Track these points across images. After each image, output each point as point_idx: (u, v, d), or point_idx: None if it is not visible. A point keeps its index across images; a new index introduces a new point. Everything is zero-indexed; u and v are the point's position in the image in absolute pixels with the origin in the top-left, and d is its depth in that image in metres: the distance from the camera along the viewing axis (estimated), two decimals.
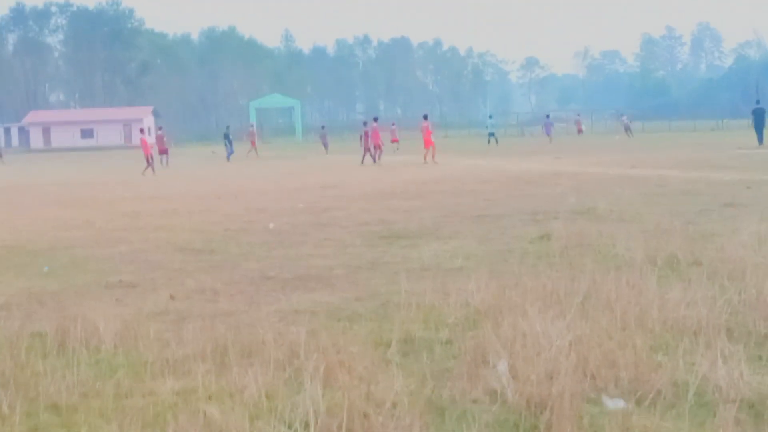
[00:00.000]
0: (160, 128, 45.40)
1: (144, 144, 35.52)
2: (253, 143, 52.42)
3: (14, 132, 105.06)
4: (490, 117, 65.16)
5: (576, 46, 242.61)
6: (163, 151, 41.16)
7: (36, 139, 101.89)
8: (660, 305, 6.12)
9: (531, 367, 4.74)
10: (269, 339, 5.65)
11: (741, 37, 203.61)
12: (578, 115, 69.55)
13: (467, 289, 7.00)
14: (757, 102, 37.75)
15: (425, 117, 36.50)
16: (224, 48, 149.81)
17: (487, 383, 4.73)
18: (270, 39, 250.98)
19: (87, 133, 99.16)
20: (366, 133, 36.92)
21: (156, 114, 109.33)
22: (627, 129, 61.50)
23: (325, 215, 14.90)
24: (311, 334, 5.78)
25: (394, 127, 49.92)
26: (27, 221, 15.64)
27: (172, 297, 7.75)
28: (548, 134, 56.97)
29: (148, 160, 34.27)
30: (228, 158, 44.86)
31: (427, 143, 34.38)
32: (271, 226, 13.44)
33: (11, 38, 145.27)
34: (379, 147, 36.11)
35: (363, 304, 7.20)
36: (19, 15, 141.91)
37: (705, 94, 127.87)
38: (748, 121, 36.96)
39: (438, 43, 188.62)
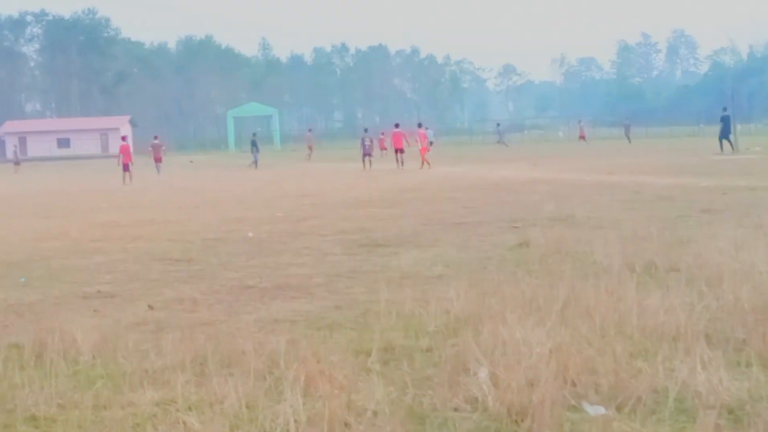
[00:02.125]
0: (156, 137, 45.74)
1: (126, 151, 35.52)
2: (310, 147, 54.23)
3: None
4: (498, 125, 68.30)
5: (553, 53, 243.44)
6: (158, 160, 41.69)
7: (12, 149, 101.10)
8: (639, 312, 6.14)
9: (511, 374, 4.74)
10: (249, 348, 5.63)
11: (716, 44, 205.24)
12: (580, 121, 69.54)
13: (447, 297, 7.01)
14: (724, 109, 38.20)
15: (420, 125, 37.47)
16: (201, 57, 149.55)
17: (468, 391, 4.73)
18: (247, 47, 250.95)
19: (63, 143, 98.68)
20: (362, 140, 38.21)
21: (133, 123, 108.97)
22: (582, 136, 61.50)
23: (304, 224, 14.87)
24: (291, 343, 5.77)
25: (382, 136, 50.66)
26: (2, 232, 15.51)
27: (150, 307, 7.71)
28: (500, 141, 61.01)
29: (127, 167, 34.41)
30: (255, 165, 44.67)
31: (423, 150, 34.89)
32: (250, 234, 13.41)
33: None
34: (401, 150, 36.76)
35: (343, 312, 7.18)
36: None
37: (681, 100, 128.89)
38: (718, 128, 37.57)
39: (415, 51, 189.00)
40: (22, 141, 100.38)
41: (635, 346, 5.55)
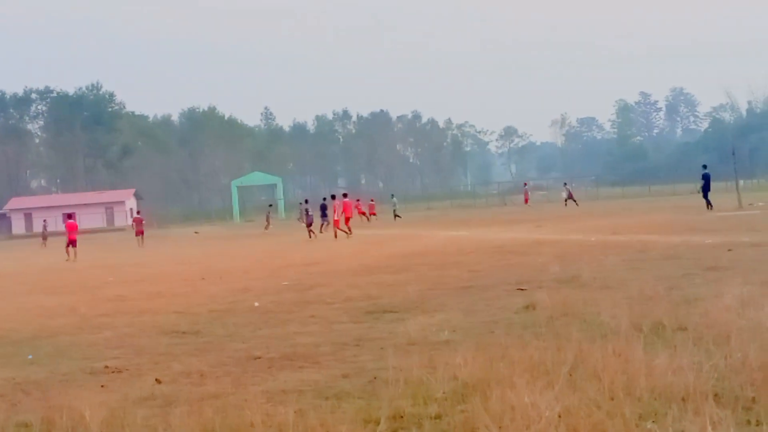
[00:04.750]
0: (138, 212, 51.42)
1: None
2: (372, 212, 56.87)
3: None
4: (565, 184, 69.00)
5: (553, 114, 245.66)
6: (140, 233, 45.87)
7: (18, 225, 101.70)
8: (647, 373, 6.13)
9: None
10: (257, 421, 5.62)
11: (715, 101, 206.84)
12: (565, 183, 69.96)
13: (454, 362, 7.00)
14: (704, 167, 38.66)
15: (345, 195, 40.16)
16: (205, 128, 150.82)
17: None
18: (250, 117, 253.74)
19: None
20: (306, 210, 39.79)
21: (138, 196, 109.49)
22: (569, 197, 61.32)
23: (311, 292, 14.88)
24: (299, 414, 5.76)
25: (358, 201, 53.48)
26: (9, 309, 15.51)
27: (158, 381, 7.70)
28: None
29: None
30: (321, 230, 44.64)
31: (336, 222, 36.45)
32: (257, 304, 13.41)
33: None
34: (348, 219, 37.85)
35: (350, 381, 7.17)
36: None
37: (682, 157, 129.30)
38: (697, 186, 38.04)
39: (417, 116, 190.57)
40: (28, 217, 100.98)
41: (644, 408, 5.53)
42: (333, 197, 39.14)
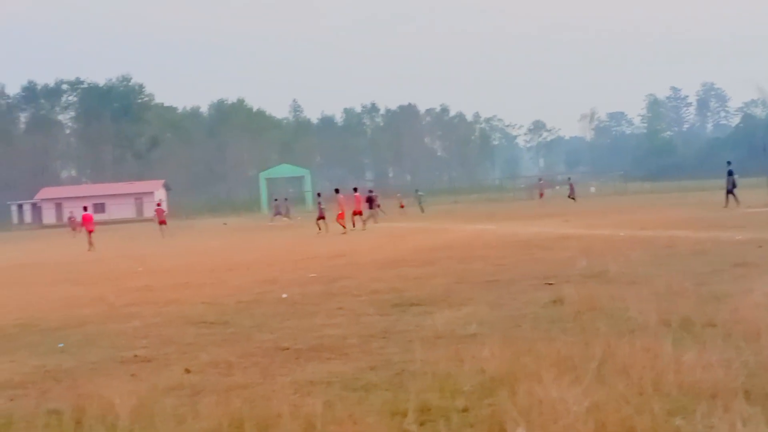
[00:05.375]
0: (159, 203, 52.49)
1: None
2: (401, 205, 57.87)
3: (27, 208, 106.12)
4: (569, 179, 68.98)
5: (582, 108, 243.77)
6: (162, 222, 47.04)
7: (48, 214, 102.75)
8: (676, 369, 6.10)
9: None
10: (285, 411, 5.65)
11: (746, 96, 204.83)
12: (569, 178, 69.63)
13: (481, 356, 7.00)
14: (729, 163, 38.58)
15: (355, 189, 40.82)
16: (233, 120, 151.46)
17: None
18: (278, 110, 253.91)
19: (99, 208, 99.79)
20: (318, 204, 39.75)
21: (167, 187, 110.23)
22: (572, 193, 60.25)
23: (337, 284, 14.90)
24: (327, 406, 5.77)
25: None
26: (39, 299, 15.68)
27: (186, 371, 7.75)
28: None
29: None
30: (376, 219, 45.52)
31: (340, 216, 36.88)
32: (284, 296, 13.46)
33: (23, 116, 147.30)
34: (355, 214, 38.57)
35: (377, 373, 7.18)
36: (31, 93, 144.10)
37: (712, 153, 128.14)
38: (725, 181, 37.96)
39: (445, 110, 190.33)
40: (58, 207, 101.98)
41: (673, 404, 5.50)
42: (337, 191, 39.56)
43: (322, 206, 38.73)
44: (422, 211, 58.13)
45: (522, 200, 76.12)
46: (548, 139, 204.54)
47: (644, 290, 10.78)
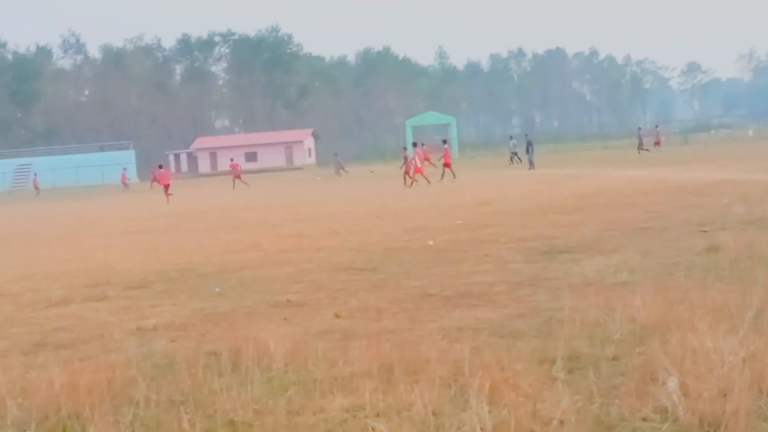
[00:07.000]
0: (232, 159, 61.87)
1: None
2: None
3: (183, 158, 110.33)
4: (657, 126, 66.52)
5: (740, 48, 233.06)
6: (237, 177, 50.81)
7: (204, 163, 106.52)
8: None
9: (703, 384, 4.61)
10: (433, 356, 5.71)
11: None
12: (657, 126, 65.72)
13: (633, 304, 6.87)
14: None
15: (444, 141, 42.57)
16: (379, 68, 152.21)
17: (657, 401, 4.63)
18: (424, 57, 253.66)
19: (251, 157, 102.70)
20: (405, 157, 39.42)
21: (315, 136, 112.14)
22: (640, 145, 55.82)
23: (484, 231, 14.87)
24: (475, 352, 5.80)
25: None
26: (197, 245, 16.27)
27: (337, 316, 7.92)
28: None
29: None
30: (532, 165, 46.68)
31: (418, 169, 36.82)
32: (431, 243, 13.54)
33: (178, 68, 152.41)
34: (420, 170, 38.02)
35: (526, 320, 7.16)
36: (185, 45, 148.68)
37: None
38: None
39: (594, 53, 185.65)
40: (213, 156, 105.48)
41: None
42: (414, 145, 39.42)
43: (408, 159, 38.48)
44: (519, 160, 54.61)
45: (675, 145, 73.58)
46: (703, 81, 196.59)
47: None
